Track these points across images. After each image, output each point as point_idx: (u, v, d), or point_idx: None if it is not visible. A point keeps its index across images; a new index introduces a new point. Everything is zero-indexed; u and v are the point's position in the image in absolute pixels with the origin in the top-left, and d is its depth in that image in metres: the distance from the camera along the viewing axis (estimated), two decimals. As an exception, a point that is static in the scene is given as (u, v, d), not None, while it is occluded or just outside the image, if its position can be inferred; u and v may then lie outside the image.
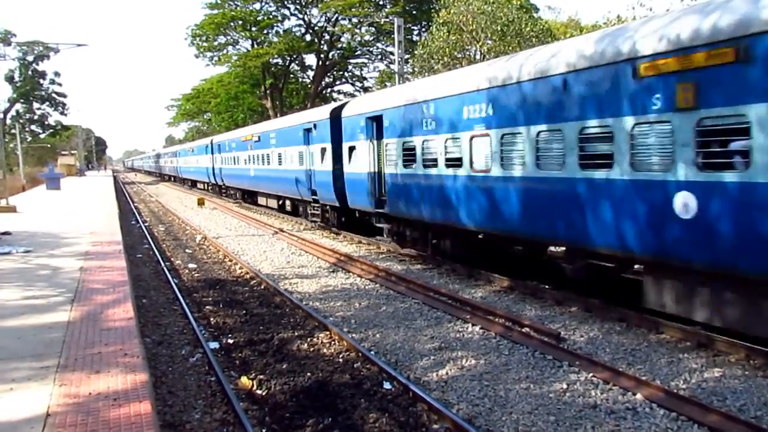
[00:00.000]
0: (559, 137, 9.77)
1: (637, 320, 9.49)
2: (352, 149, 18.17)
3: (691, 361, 7.95)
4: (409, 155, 14.54)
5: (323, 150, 20.64)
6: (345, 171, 18.85)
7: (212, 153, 44.01)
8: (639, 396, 6.91)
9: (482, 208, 11.84)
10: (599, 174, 9.07)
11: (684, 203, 7.77)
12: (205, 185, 50.94)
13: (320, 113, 21.72)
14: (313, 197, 22.44)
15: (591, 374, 7.63)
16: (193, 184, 58.56)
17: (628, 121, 8.45)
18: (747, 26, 6.99)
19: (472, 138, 11.99)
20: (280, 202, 28.88)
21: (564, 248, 11.50)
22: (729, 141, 7.42)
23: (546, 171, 10.10)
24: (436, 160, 13.36)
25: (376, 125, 16.62)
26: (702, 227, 7.61)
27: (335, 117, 19.62)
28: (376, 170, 16.77)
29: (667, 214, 8.01)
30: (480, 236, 13.38)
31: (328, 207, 21.77)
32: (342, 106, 19.60)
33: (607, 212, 8.95)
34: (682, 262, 8.05)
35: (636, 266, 10.50)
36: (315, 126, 21.44)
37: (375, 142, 16.80)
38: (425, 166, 13.84)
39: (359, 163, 17.63)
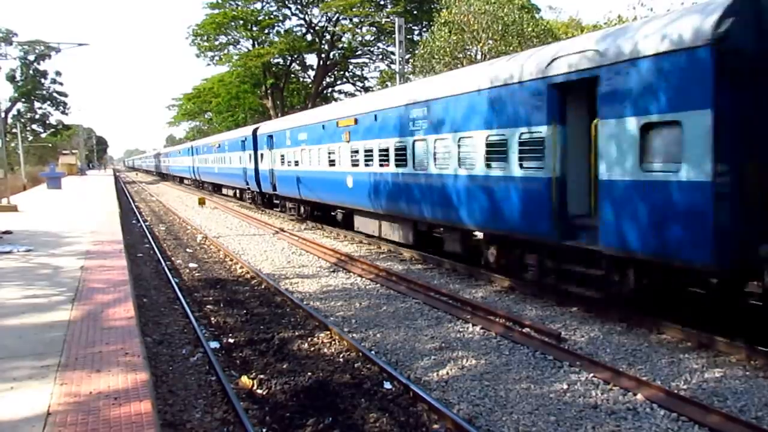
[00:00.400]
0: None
1: (637, 321, 9.48)
2: (262, 155, 28.75)
3: (692, 361, 7.95)
4: (283, 159, 25.26)
5: (250, 155, 30.88)
6: (259, 169, 29.49)
7: (192, 155, 53.49)
8: (639, 396, 6.91)
9: (309, 189, 22.25)
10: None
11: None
12: (190, 180, 60.16)
13: (247, 131, 32.77)
14: (246, 186, 33.33)
15: (592, 374, 7.63)
16: (181, 180, 67.76)
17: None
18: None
19: (302, 150, 22.78)
20: (235, 192, 39.59)
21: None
22: None
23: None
24: (297, 162, 23.47)
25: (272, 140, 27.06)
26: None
27: (254, 133, 30.48)
28: (272, 168, 27.03)
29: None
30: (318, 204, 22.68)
31: (253, 191, 32.80)
32: (257, 128, 30.87)
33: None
34: None
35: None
36: (245, 139, 31.90)
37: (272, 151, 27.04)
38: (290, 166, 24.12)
39: (265, 164, 28.37)
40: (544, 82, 10.05)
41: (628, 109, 8.51)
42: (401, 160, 15.03)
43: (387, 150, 15.80)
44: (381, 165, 16.23)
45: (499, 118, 11.29)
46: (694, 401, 6.58)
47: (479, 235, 13.34)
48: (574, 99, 10.00)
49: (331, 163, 19.74)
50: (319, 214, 23.89)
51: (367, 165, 17.07)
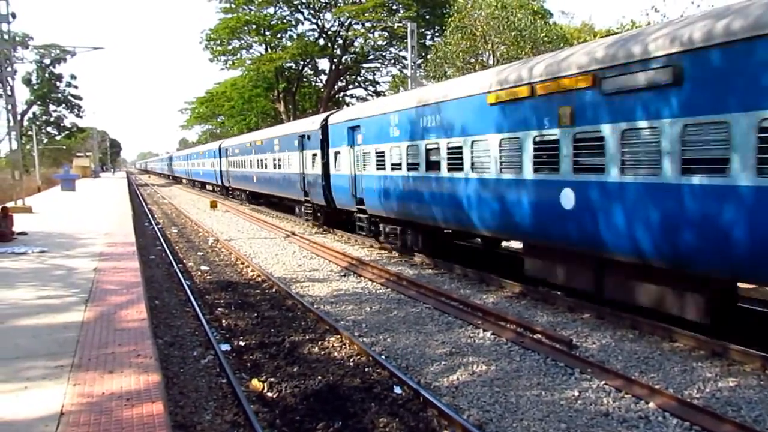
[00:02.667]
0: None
1: (650, 328, 9.41)
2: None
3: (705, 370, 7.87)
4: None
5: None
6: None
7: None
8: (652, 405, 6.85)
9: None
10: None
11: None
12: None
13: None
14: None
15: (603, 382, 7.58)
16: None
17: None
18: None
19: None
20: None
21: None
22: None
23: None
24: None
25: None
26: None
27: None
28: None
29: None
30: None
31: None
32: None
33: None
34: None
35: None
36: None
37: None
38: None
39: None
40: None
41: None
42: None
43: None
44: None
45: None
46: (707, 410, 6.52)
47: None
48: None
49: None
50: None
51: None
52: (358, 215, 19.30)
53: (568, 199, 9.98)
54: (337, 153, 20.53)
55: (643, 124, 8.60)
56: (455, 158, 13.15)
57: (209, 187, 57.14)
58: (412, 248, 16.50)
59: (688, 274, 8.42)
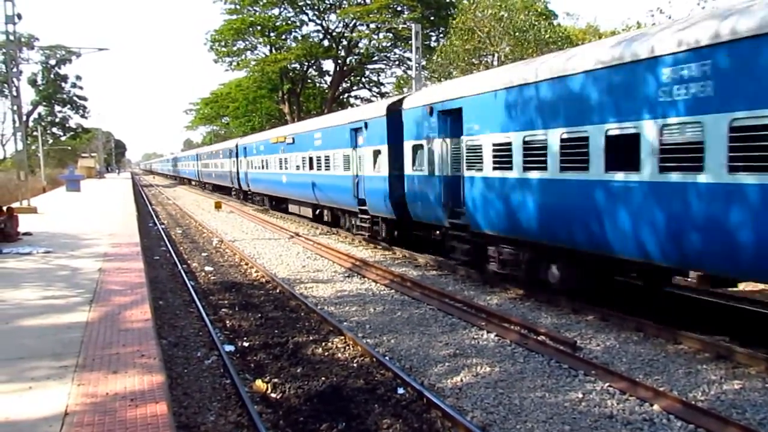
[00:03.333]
0: None
1: (654, 330, 9.38)
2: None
3: (710, 372, 7.84)
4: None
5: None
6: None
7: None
8: (656, 407, 6.83)
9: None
10: None
11: None
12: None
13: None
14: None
15: (607, 384, 7.56)
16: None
17: None
18: None
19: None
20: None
21: None
22: None
23: None
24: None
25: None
26: None
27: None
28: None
29: None
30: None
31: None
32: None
33: None
34: None
35: None
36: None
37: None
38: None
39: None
40: None
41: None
42: None
43: None
44: None
45: None
46: (712, 413, 6.49)
47: None
48: None
49: None
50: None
51: None
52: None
53: None
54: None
55: None
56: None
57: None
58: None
59: None
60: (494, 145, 12.17)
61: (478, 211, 12.85)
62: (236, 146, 40.49)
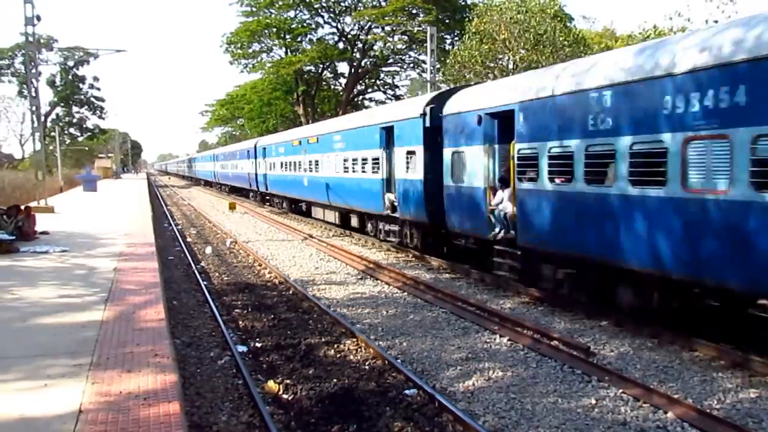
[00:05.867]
0: None
1: (669, 337, 9.28)
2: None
3: (726, 380, 7.74)
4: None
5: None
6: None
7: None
8: (670, 414, 6.75)
9: None
10: None
11: None
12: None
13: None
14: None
15: (621, 390, 7.49)
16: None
17: None
18: None
19: None
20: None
21: None
22: None
23: None
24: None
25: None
26: None
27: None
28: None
29: None
30: None
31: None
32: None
33: None
34: None
35: None
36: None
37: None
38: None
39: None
40: None
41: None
42: None
43: None
44: None
45: None
46: (727, 422, 6.40)
47: None
48: None
49: None
50: None
51: None
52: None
53: None
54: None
55: None
56: None
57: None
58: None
59: None
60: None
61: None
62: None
